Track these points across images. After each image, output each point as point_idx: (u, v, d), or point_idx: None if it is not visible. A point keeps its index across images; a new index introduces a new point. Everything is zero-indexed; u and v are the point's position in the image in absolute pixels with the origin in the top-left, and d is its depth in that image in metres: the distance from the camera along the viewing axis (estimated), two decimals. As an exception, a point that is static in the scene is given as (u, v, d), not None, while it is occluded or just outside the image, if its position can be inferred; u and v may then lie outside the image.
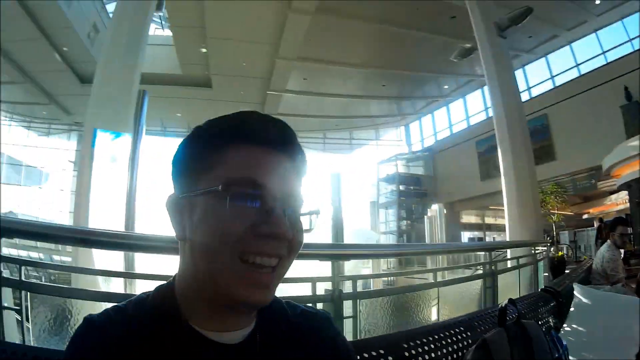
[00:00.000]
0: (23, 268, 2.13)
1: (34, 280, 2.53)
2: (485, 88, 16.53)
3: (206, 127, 0.81)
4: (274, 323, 0.86)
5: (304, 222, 0.81)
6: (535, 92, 19.05)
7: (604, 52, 16.77)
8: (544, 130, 16.89)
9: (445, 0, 13.37)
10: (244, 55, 17.62)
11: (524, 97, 16.11)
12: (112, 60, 8.09)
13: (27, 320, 2.09)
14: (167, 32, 19.61)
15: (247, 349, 0.79)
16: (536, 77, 19.30)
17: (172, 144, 7.38)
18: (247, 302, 0.74)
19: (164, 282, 0.85)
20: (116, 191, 5.94)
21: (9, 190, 24.50)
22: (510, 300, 1.49)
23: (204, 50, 17.69)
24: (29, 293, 2.09)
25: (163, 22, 20.64)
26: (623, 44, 16.11)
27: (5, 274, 2.13)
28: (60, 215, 23.34)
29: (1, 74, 16.77)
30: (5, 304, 2.04)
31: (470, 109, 22.52)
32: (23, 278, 2.10)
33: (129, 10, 8.62)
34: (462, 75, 20.13)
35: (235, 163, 0.75)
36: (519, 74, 17.63)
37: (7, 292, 2.09)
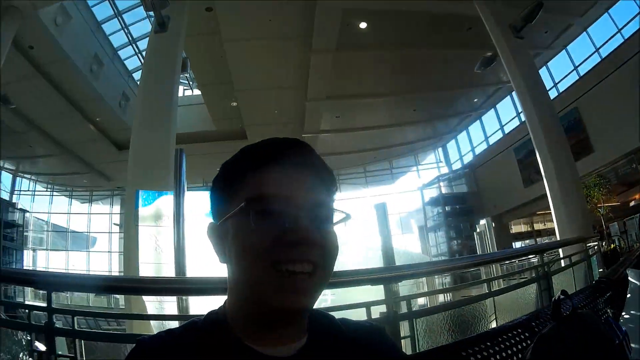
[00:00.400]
0: (76, 318, 2.23)
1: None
2: (514, 93, 16.34)
3: (229, 160, 0.91)
4: (325, 336, 0.87)
5: (338, 229, 0.84)
6: (562, 86, 18.54)
7: (619, 30, 16.08)
8: (576, 124, 16.38)
9: (458, 13, 13.28)
10: (274, 103, 17.79)
11: (552, 94, 15.78)
12: (146, 125, 8.31)
13: None
14: (197, 92, 20.01)
15: None
16: (560, 72, 18.85)
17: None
18: (287, 310, 0.77)
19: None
20: (164, 247, 6.05)
21: (56, 255, 25.26)
22: (563, 292, 1.45)
23: (234, 104, 17.87)
24: (83, 341, 2.17)
25: (190, 83, 21.10)
26: (635, 16, 15.42)
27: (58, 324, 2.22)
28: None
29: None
30: (60, 352, 2.12)
31: (502, 117, 22.13)
32: (76, 327, 2.18)
33: (155, 75, 8.86)
34: (489, 85, 19.81)
35: (256, 182, 0.81)
36: (543, 72, 17.31)
37: (61, 341, 2.18)
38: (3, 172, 24.08)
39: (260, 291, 0.77)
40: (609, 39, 16.46)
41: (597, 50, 16.78)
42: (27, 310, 2.35)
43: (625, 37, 15.69)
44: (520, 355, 1.58)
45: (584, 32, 17.21)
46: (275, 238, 0.76)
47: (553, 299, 1.41)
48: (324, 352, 0.84)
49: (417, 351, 2.65)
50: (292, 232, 0.76)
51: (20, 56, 13.63)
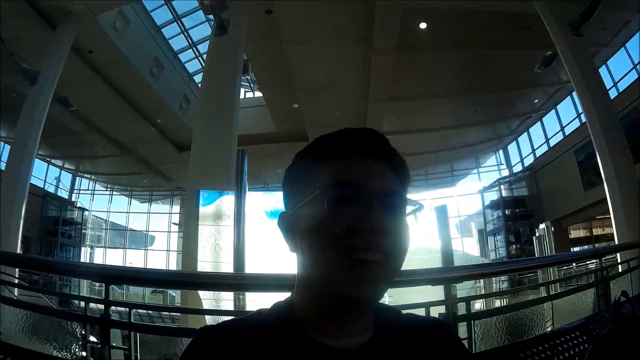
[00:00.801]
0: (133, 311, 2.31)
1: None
2: (574, 93, 15.88)
3: (303, 150, 0.91)
4: (391, 330, 0.86)
5: (410, 221, 0.83)
6: (622, 86, 17.61)
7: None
8: (636, 125, 15.46)
9: (517, 12, 13.01)
10: (335, 104, 17.76)
11: (612, 94, 15.13)
12: (208, 126, 8.49)
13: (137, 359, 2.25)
14: (258, 94, 20.25)
15: (366, 354, 0.80)
16: (619, 71, 17.90)
17: (274, 199, 7.59)
18: (356, 299, 0.76)
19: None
20: (223, 246, 6.16)
21: (114, 253, 25.98)
22: (623, 292, 1.39)
23: (295, 105, 17.98)
24: (138, 334, 2.25)
25: (252, 85, 21.38)
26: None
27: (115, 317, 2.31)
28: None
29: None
30: (114, 344, 2.20)
31: (563, 118, 21.38)
32: (132, 320, 2.27)
33: (216, 78, 9.02)
34: (550, 86, 19.22)
35: (330, 170, 0.82)
36: (602, 71, 16.63)
37: (116, 334, 2.27)
38: (63, 171, 25.00)
39: (331, 279, 0.76)
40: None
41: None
42: (82, 303, 2.44)
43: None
44: (577, 358, 1.57)
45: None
46: (349, 225, 0.75)
47: (614, 300, 1.39)
48: (390, 346, 0.84)
49: (474, 352, 2.65)
50: (366, 220, 0.76)
51: (80, 60, 14.11)
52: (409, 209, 0.83)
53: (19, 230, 9.32)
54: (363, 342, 0.82)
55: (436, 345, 0.89)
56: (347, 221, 0.76)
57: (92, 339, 2.30)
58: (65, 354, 2.37)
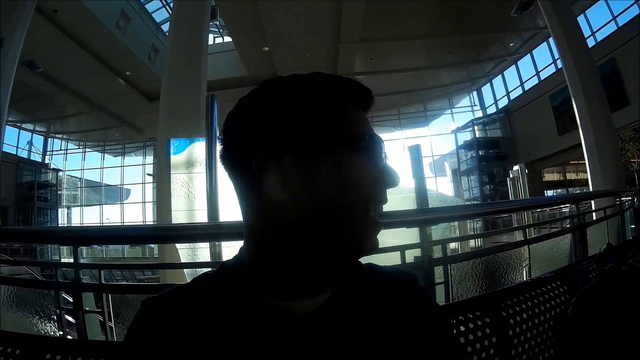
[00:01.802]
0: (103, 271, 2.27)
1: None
2: (551, 40, 15.86)
3: (314, 85, 0.78)
4: (352, 286, 0.80)
5: None
6: (600, 36, 17.70)
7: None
8: (613, 75, 15.67)
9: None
10: (306, 47, 17.63)
11: (590, 43, 15.18)
12: (176, 74, 8.29)
13: (110, 321, 2.21)
14: (227, 39, 19.97)
15: (325, 317, 0.74)
16: (598, 21, 18.00)
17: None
18: (373, 250, 0.74)
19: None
20: (197, 194, 6.12)
21: (91, 210, 26.03)
22: (609, 245, 1.37)
23: (266, 49, 17.82)
24: (110, 295, 2.20)
25: (221, 30, 21.06)
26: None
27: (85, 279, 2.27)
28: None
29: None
30: (87, 308, 2.16)
31: (539, 63, 21.50)
32: (103, 281, 2.21)
33: (184, 25, 8.81)
34: (526, 30, 19.25)
35: (358, 119, 0.76)
36: (581, 20, 16.61)
37: (89, 296, 2.22)
38: (35, 135, 24.80)
39: (350, 232, 0.72)
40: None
41: (637, 1, 16.06)
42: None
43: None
44: (559, 310, 1.54)
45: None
46: (376, 179, 0.74)
47: (599, 251, 1.35)
48: (350, 305, 0.77)
49: (452, 297, 2.65)
50: (393, 175, 0.76)
51: (45, 21, 13.92)
52: None
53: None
54: (323, 301, 0.76)
55: (401, 301, 0.84)
56: (389, 174, 0.76)
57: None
58: (44, 323, 2.35)
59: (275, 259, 0.73)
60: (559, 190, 22.98)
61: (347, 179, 0.70)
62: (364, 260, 0.82)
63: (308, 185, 0.70)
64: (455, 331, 1.32)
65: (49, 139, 26.28)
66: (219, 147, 0.82)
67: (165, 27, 19.06)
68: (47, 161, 25.43)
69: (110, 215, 26.46)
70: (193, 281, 0.79)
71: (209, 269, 0.83)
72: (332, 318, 0.74)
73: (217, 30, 21.21)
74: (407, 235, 2.64)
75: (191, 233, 2.41)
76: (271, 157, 0.70)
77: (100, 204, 26.62)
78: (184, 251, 5.08)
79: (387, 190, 0.76)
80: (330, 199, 0.70)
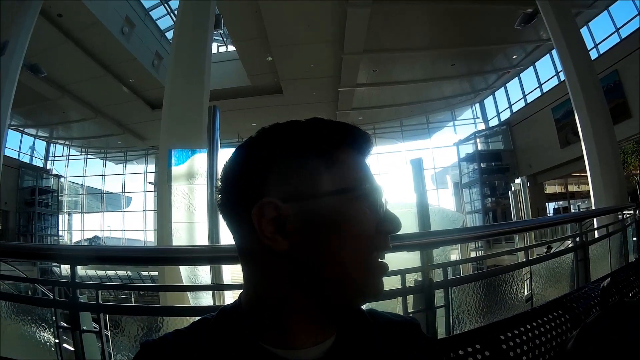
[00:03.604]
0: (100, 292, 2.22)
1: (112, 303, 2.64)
2: (554, 52, 15.87)
3: (315, 129, 0.75)
4: (354, 334, 0.78)
5: None
6: (602, 48, 17.69)
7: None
8: (616, 87, 15.69)
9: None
10: (310, 57, 17.61)
11: (592, 55, 15.16)
12: (179, 83, 8.27)
13: (108, 343, 2.18)
14: (231, 47, 19.98)
15: None
16: (601, 33, 17.94)
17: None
18: (379, 295, 0.74)
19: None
20: (197, 206, 6.12)
21: (92, 217, 26.04)
22: (612, 279, 1.38)
23: (269, 59, 17.80)
24: (107, 315, 2.19)
25: (225, 39, 21.12)
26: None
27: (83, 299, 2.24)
28: (147, 234, 24.59)
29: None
30: (85, 327, 2.14)
31: (541, 75, 21.53)
32: (100, 301, 2.18)
33: (187, 33, 8.82)
34: (529, 43, 19.26)
35: (359, 165, 0.76)
36: (584, 32, 16.62)
37: (86, 316, 2.20)
38: (37, 140, 24.89)
39: (356, 280, 0.71)
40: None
41: (640, 13, 16.09)
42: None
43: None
44: (559, 340, 1.52)
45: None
46: (380, 227, 0.73)
47: (602, 285, 1.33)
48: (354, 354, 0.75)
49: (452, 321, 2.63)
50: (395, 222, 0.75)
51: (50, 25, 13.91)
52: None
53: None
54: (325, 349, 0.74)
55: (405, 350, 0.83)
56: (390, 222, 0.75)
57: (64, 323, 2.24)
58: (42, 343, 2.32)
59: (275, 308, 0.72)
60: (561, 203, 22.99)
61: (347, 229, 0.69)
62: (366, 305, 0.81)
63: (307, 236, 0.69)
64: (455, 366, 1.31)
65: (51, 144, 26.34)
66: (220, 163, 0.82)
67: (170, 35, 18.99)
68: (49, 167, 25.46)
69: (111, 223, 26.47)
70: (192, 325, 0.79)
71: (209, 314, 0.81)
72: None
73: (220, 39, 21.26)
74: (404, 256, 2.64)
75: (192, 256, 2.41)
76: (269, 208, 0.69)
77: (101, 211, 26.59)
78: (185, 271, 5.08)
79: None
80: (330, 249, 0.69)
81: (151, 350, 0.73)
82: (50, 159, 26.01)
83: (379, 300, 0.81)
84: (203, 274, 4.53)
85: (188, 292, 3.57)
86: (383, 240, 0.73)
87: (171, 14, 19.10)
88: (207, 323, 0.77)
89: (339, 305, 0.73)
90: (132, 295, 12.89)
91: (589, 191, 9.81)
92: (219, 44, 21.81)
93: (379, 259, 0.74)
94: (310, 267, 0.69)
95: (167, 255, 2.45)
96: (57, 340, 2.27)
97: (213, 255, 2.49)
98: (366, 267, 0.71)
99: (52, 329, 2.28)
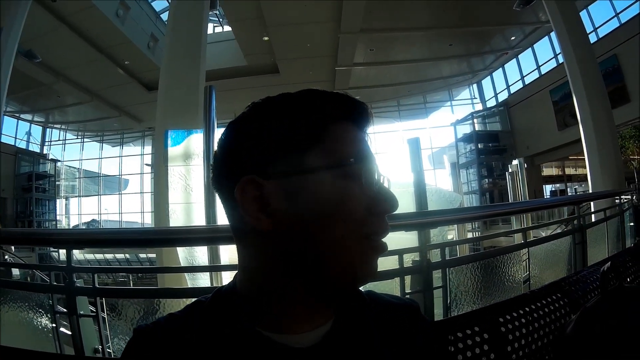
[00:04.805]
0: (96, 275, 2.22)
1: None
2: (552, 34, 15.80)
3: (303, 101, 0.72)
4: (353, 319, 0.76)
5: None
6: (602, 32, 17.57)
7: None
8: (615, 71, 15.62)
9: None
10: (306, 37, 17.50)
11: (591, 39, 15.11)
12: (175, 64, 8.22)
13: (105, 326, 2.20)
14: (227, 28, 19.82)
15: (325, 352, 0.70)
16: (601, 17, 17.85)
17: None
18: (371, 278, 0.70)
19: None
20: (194, 187, 6.11)
21: (89, 201, 26.05)
22: (612, 263, 1.35)
23: (266, 38, 17.68)
24: (104, 299, 2.20)
25: (220, 20, 20.95)
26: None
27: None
28: (145, 216, 24.65)
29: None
30: (82, 312, 2.14)
31: (540, 57, 21.44)
32: (97, 285, 2.18)
33: (183, 14, 8.75)
34: (527, 24, 19.17)
35: (355, 138, 0.71)
36: (583, 15, 16.50)
37: (83, 301, 2.20)
38: (33, 125, 24.83)
39: (346, 261, 0.66)
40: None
41: (640, -1, 16.00)
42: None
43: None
44: (559, 324, 1.52)
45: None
46: (375, 206, 0.69)
47: (602, 269, 1.32)
48: (351, 337, 0.73)
49: (449, 301, 2.64)
50: (392, 201, 0.70)
51: (44, 10, 13.83)
52: None
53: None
54: (322, 334, 0.72)
55: (404, 332, 0.81)
56: (386, 201, 0.70)
57: (61, 307, 2.25)
58: (39, 329, 2.31)
59: (268, 292, 0.70)
60: (558, 185, 23.02)
61: (335, 208, 0.65)
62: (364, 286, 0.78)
63: (292, 216, 0.66)
64: (453, 348, 1.30)
65: (47, 129, 26.30)
66: (216, 138, 0.78)
67: (165, 16, 18.84)
68: (45, 152, 25.45)
69: (109, 206, 26.54)
70: (186, 308, 0.76)
71: (203, 296, 0.78)
72: (334, 352, 0.71)
73: (216, 19, 21.07)
74: (402, 236, 2.63)
75: (188, 237, 2.39)
76: (251, 185, 0.66)
77: (98, 195, 26.65)
78: (182, 252, 5.08)
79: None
80: (318, 229, 0.65)
81: (144, 335, 0.71)
82: (46, 143, 25.99)
83: (375, 281, 0.68)
84: (201, 254, 4.54)
85: (185, 274, 3.56)
86: (379, 220, 0.69)
87: (167, -5, 18.90)
88: (202, 306, 0.75)
89: (330, 289, 0.70)
90: (131, 278, 12.88)
91: (586, 175, 9.82)
92: (215, 25, 21.68)
93: (376, 239, 0.69)
94: (295, 249, 0.67)
95: (163, 236, 2.43)
96: (54, 325, 2.27)
97: (210, 236, 2.48)
98: (356, 250, 0.67)
99: (49, 315, 2.27)
